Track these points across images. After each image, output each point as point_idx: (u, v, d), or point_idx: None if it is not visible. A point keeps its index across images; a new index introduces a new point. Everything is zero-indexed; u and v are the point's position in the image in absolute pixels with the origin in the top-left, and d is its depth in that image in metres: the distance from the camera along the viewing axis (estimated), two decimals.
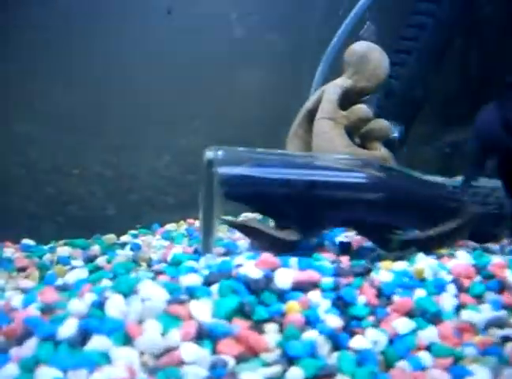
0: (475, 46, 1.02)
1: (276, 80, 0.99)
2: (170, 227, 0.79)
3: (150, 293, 0.43)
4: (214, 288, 0.45)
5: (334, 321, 0.43)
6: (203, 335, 0.40)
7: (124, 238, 0.75)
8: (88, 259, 0.64)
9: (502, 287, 0.51)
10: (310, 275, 0.46)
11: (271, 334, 0.42)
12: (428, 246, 0.57)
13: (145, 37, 0.94)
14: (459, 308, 0.48)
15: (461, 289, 0.50)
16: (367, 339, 0.43)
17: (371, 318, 0.45)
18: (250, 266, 0.47)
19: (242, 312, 0.43)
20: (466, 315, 0.47)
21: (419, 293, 0.48)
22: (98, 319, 0.41)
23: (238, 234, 0.63)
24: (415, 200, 0.58)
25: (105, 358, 0.38)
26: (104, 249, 0.68)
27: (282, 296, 0.45)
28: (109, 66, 0.89)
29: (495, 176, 0.60)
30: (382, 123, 0.80)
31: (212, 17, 0.96)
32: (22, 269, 0.62)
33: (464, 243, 0.62)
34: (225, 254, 0.57)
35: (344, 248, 0.61)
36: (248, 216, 0.79)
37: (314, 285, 0.46)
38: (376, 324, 0.44)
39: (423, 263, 0.52)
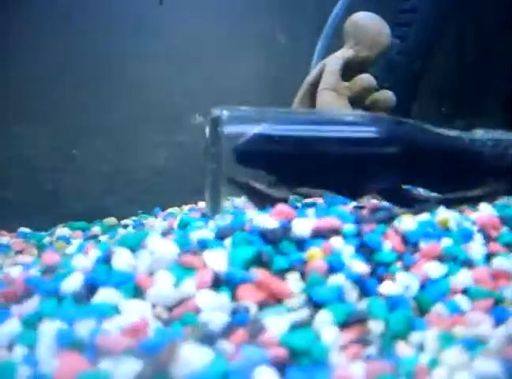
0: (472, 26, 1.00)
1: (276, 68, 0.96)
2: (172, 210, 0.76)
3: (159, 247, 0.40)
4: (227, 242, 0.42)
5: (360, 267, 0.40)
6: (220, 283, 0.37)
7: (125, 221, 0.71)
8: (89, 238, 0.60)
9: None
10: (331, 221, 0.43)
11: (293, 281, 0.38)
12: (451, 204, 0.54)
13: (140, 30, 0.91)
14: (489, 257, 0.45)
15: (488, 238, 0.47)
16: (398, 285, 0.39)
17: (399, 264, 0.42)
18: (265, 217, 0.43)
19: (259, 262, 0.39)
20: (498, 262, 0.44)
21: (446, 242, 0.45)
22: (105, 273, 0.38)
23: (243, 204, 0.59)
24: (434, 153, 0.55)
25: (114, 311, 0.35)
26: (105, 229, 0.64)
27: (301, 245, 0.41)
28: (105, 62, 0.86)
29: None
30: (386, 94, 0.78)
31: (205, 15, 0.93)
32: (20, 252, 0.59)
33: None
34: None
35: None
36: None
37: (336, 232, 0.42)
38: (405, 270, 0.41)
39: (447, 214, 0.49)
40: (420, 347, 0.35)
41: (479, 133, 0.57)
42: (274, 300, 0.37)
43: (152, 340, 0.31)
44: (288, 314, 0.35)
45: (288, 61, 0.96)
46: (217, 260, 0.39)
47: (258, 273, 0.37)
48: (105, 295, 0.36)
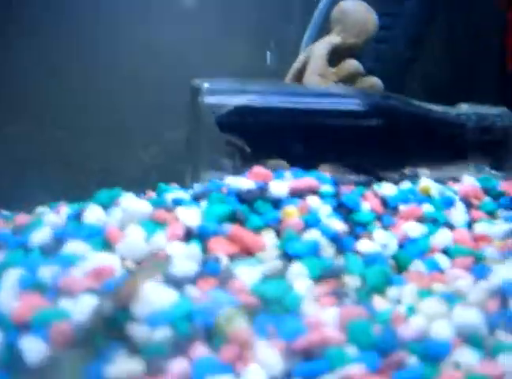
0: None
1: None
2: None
3: (132, 204, 0.39)
4: (203, 203, 0.41)
5: (337, 224, 0.39)
6: (192, 237, 0.36)
7: None
8: None
9: None
10: (308, 182, 0.42)
11: (268, 238, 0.37)
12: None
13: (132, 23, 0.90)
14: (471, 223, 0.44)
15: (471, 206, 0.46)
16: (376, 242, 0.39)
17: (378, 224, 0.41)
18: (241, 179, 0.42)
19: (234, 219, 0.38)
20: (480, 228, 0.43)
21: (427, 207, 0.44)
22: (75, 228, 0.37)
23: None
24: (421, 126, 0.54)
25: (82, 261, 0.34)
26: None
27: (278, 204, 0.40)
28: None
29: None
30: (373, 80, 0.77)
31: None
32: None
33: None
34: None
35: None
36: None
37: (313, 192, 0.41)
38: (384, 230, 0.40)
39: (428, 182, 0.48)
40: (397, 302, 0.34)
41: (463, 108, 0.56)
42: (247, 254, 0.36)
43: (114, 280, 0.30)
44: (261, 266, 0.34)
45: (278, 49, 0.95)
46: (190, 215, 0.38)
47: (231, 227, 0.36)
48: (73, 247, 0.35)
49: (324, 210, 0.40)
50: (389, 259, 0.38)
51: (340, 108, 0.54)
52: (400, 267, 0.38)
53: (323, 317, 0.30)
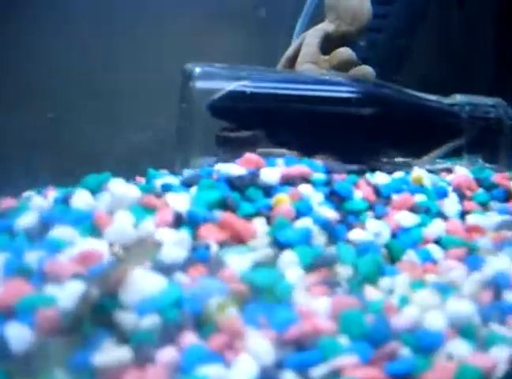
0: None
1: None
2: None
3: (121, 189, 0.38)
4: (193, 189, 0.40)
5: (329, 212, 0.38)
6: (182, 223, 0.35)
7: None
8: None
9: (508, 196, 0.46)
10: (300, 169, 0.41)
11: (259, 225, 0.37)
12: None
13: (124, 9, 0.89)
14: (464, 214, 0.44)
15: (464, 197, 0.46)
16: (368, 232, 0.38)
17: (370, 213, 0.40)
18: (232, 166, 0.42)
19: (224, 206, 0.38)
20: (473, 219, 0.43)
21: (420, 197, 0.44)
22: (62, 212, 0.36)
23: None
24: (414, 115, 0.53)
25: (68, 246, 0.33)
26: None
27: (269, 192, 0.40)
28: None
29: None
30: (366, 69, 0.76)
31: None
32: None
33: None
34: None
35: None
36: None
37: (305, 180, 0.41)
38: (377, 219, 0.40)
39: (421, 172, 0.48)
40: (390, 292, 0.34)
41: (457, 98, 0.56)
42: (237, 241, 0.35)
43: (102, 265, 0.29)
44: (252, 253, 0.34)
45: (270, 37, 0.94)
46: (180, 201, 0.37)
47: (222, 213, 0.36)
48: (60, 232, 0.34)
49: (316, 198, 0.39)
50: (381, 248, 0.37)
51: (333, 95, 0.53)
52: (393, 257, 0.37)
53: (315, 306, 0.30)
